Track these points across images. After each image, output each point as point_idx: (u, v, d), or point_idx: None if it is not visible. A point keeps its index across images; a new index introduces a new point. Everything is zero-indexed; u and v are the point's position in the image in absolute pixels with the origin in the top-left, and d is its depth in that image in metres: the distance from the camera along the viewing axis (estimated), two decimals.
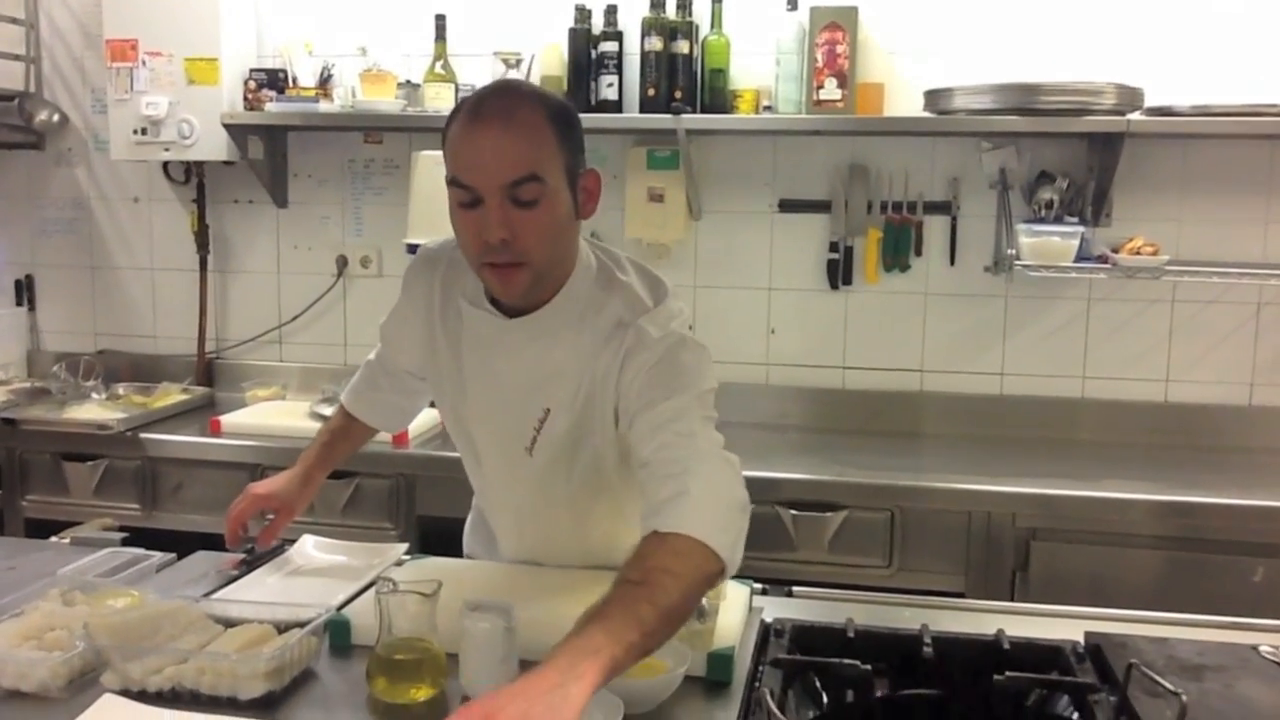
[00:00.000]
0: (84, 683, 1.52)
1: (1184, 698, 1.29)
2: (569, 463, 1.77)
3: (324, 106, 3.43)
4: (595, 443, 1.75)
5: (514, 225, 1.55)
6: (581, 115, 3.37)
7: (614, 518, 1.86)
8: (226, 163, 3.57)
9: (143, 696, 1.47)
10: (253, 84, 3.50)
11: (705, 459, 1.56)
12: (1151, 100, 2.99)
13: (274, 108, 3.44)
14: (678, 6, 3.23)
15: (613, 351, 1.67)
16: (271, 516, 2.03)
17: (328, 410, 3.30)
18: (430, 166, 3.28)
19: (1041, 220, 3.15)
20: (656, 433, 1.58)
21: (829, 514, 2.84)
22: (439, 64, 3.39)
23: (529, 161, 1.54)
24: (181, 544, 2.11)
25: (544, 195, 1.55)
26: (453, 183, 1.58)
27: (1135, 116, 2.97)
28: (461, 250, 1.66)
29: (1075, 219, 3.14)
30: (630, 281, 1.72)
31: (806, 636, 1.69)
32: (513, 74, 3.29)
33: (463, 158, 1.56)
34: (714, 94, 3.25)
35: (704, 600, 1.57)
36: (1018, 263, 3.09)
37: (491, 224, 1.54)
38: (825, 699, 1.55)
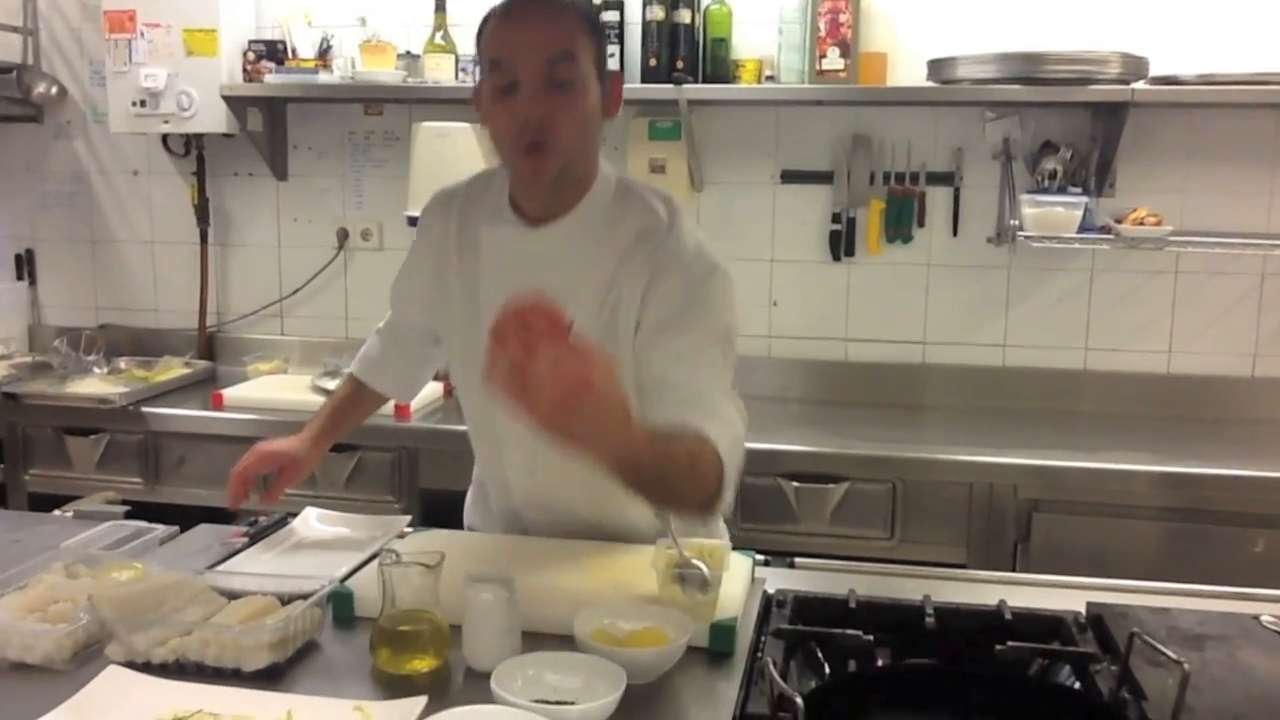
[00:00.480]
0: (88, 655, 1.53)
1: (1186, 667, 1.29)
2: None
3: (323, 78, 3.42)
4: (618, 361, 1.70)
5: (548, 105, 1.61)
6: None
7: None
8: (226, 135, 3.55)
9: (147, 668, 1.48)
10: (252, 55, 3.48)
11: (727, 405, 1.62)
12: (1156, 69, 2.97)
13: (273, 79, 3.42)
14: None
15: (640, 262, 1.70)
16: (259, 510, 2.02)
17: (330, 383, 3.30)
18: (431, 138, 3.26)
19: (1045, 191, 3.14)
20: (681, 362, 1.63)
21: (831, 486, 2.84)
22: (439, 34, 3.36)
23: (565, 39, 1.62)
24: (184, 517, 2.11)
25: (578, 78, 1.62)
26: (492, 67, 1.64)
27: (1140, 86, 2.95)
28: (495, 144, 1.70)
29: (1079, 189, 3.13)
30: (646, 195, 1.77)
31: (808, 607, 1.69)
32: None
33: (499, 39, 1.65)
34: (716, 64, 3.23)
35: (706, 571, 1.58)
36: (1021, 234, 3.08)
37: (528, 103, 1.60)
38: (827, 669, 1.55)
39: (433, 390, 3.22)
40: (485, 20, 1.70)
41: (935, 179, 3.33)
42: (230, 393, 3.29)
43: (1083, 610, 1.68)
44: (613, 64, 3.25)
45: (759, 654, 1.55)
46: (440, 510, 2.67)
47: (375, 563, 1.62)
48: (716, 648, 1.56)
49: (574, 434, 1.24)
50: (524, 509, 1.95)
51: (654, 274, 1.69)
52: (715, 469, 1.52)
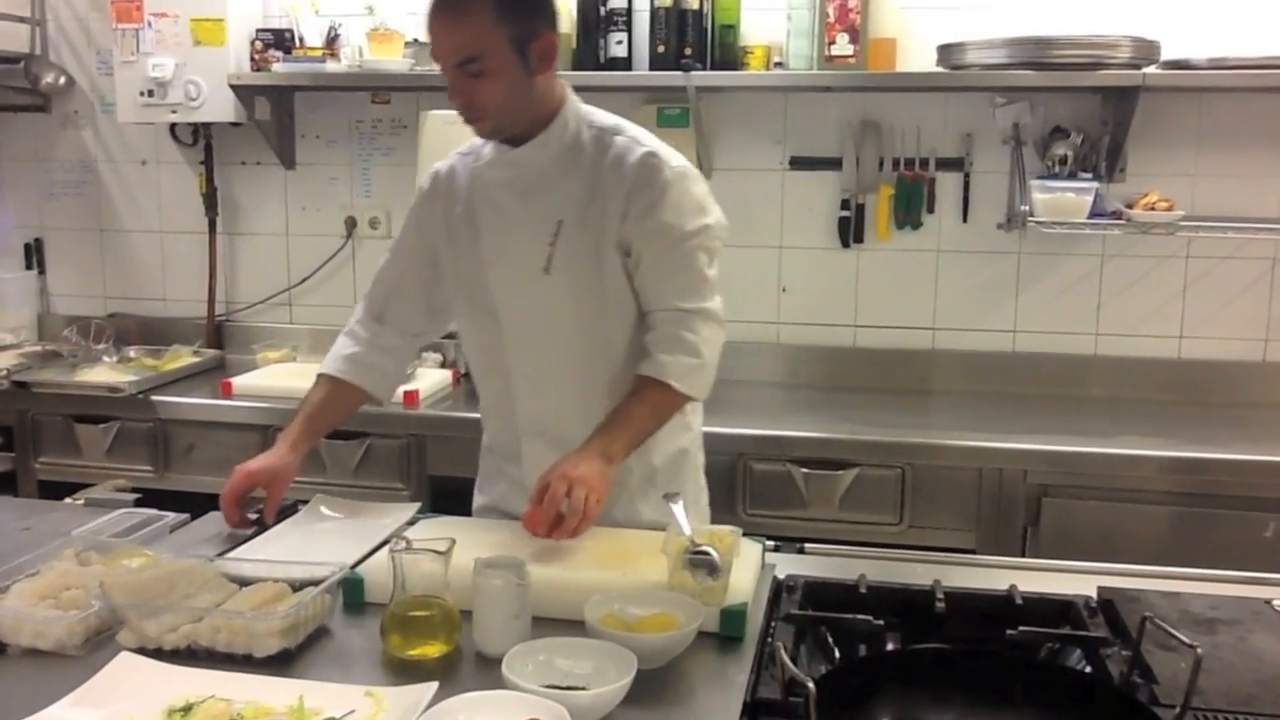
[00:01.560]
0: (100, 641, 1.54)
1: (1199, 650, 1.28)
2: (584, 281, 1.93)
3: (331, 66, 3.41)
4: (606, 272, 1.92)
5: (468, 91, 1.84)
6: (590, 73, 3.34)
7: (614, 380, 1.97)
8: (234, 124, 3.56)
9: (159, 654, 1.49)
10: (259, 44, 3.47)
11: (701, 326, 1.91)
12: (1167, 53, 2.96)
13: (281, 68, 3.42)
14: None
15: (614, 182, 1.90)
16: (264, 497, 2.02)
17: None
18: (438, 126, 3.25)
19: (1055, 176, 3.12)
20: (669, 278, 1.91)
21: (840, 472, 2.84)
22: None
23: (466, 47, 1.81)
24: (194, 505, 2.11)
25: (486, 70, 1.82)
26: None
27: (1150, 70, 2.93)
28: None
29: (1089, 174, 3.11)
30: (607, 121, 1.99)
31: (818, 592, 1.69)
32: None
33: (429, 39, 1.86)
34: (724, 50, 3.22)
35: (716, 556, 1.60)
36: (1031, 219, 3.07)
37: (451, 89, 1.86)
38: (837, 654, 1.55)
39: (441, 378, 3.22)
40: None
41: (945, 165, 3.32)
42: (239, 381, 3.30)
43: (1093, 595, 1.68)
44: (620, 50, 3.24)
45: (769, 639, 1.55)
46: (449, 497, 2.67)
47: (386, 549, 1.62)
48: (727, 633, 1.57)
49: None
50: (528, 442, 2.03)
51: (633, 188, 1.89)
52: (678, 399, 1.92)
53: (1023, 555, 2.69)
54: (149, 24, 3.43)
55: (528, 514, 1.78)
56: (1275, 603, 1.67)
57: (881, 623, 1.56)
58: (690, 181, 1.94)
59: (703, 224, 1.93)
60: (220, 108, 3.46)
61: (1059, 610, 1.64)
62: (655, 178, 1.90)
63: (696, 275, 1.93)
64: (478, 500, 2.19)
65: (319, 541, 1.93)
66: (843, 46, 3.09)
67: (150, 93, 3.45)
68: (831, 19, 3.08)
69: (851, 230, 3.37)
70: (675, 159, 1.95)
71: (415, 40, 3.41)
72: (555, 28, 1.90)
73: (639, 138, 1.96)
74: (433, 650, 1.50)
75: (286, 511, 2.06)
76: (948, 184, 3.33)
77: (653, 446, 2.00)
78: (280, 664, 1.48)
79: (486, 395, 2.13)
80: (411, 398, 3.06)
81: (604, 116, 2.00)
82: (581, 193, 1.92)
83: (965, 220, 3.33)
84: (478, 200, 2.00)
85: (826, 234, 3.41)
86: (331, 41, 3.49)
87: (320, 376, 2.13)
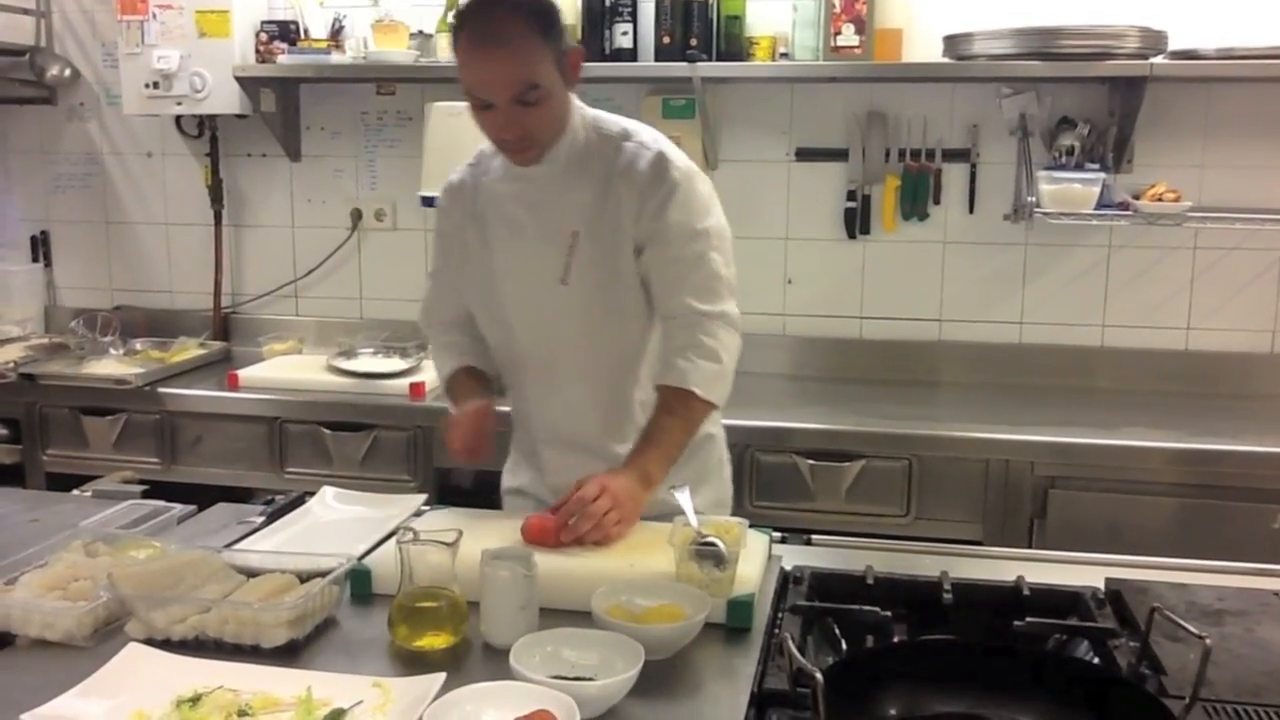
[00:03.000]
0: (108, 632, 1.54)
1: (1208, 641, 1.28)
2: (602, 289, 1.92)
3: (336, 58, 3.41)
4: (623, 278, 1.92)
5: (522, 121, 1.80)
6: (595, 64, 3.34)
7: (628, 386, 1.99)
8: (239, 116, 3.55)
9: (167, 645, 1.49)
10: (264, 36, 3.47)
11: (721, 332, 1.91)
12: (1175, 43, 2.94)
13: (286, 60, 3.41)
14: None
15: (626, 177, 1.89)
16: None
17: (345, 363, 3.32)
18: (444, 118, 3.25)
19: (1062, 167, 3.11)
20: (684, 285, 1.90)
21: (846, 463, 2.83)
22: (451, 13, 3.34)
23: (526, 76, 1.77)
24: (201, 496, 2.12)
25: (542, 97, 1.79)
26: (467, 91, 1.80)
27: (1158, 60, 2.92)
28: (483, 132, 1.89)
29: (1096, 165, 3.10)
30: (614, 127, 1.97)
31: (826, 583, 1.69)
32: None
33: (470, 76, 1.79)
34: (730, 41, 3.21)
35: (723, 547, 1.60)
36: (1038, 210, 3.06)
37: (504, 124, 1.81)
38: (844, 645, 1.55)
39: None
40: (455, 33, 1.82)
41: (951, 155, 3.31)
42: (245, 373, 3.30)
43: (1101, 586, 1.68)
44: (625, 41, 3.24)
45: (776, 630, 1.55)
46: (455, 489, 2.68)
47: (393, 540, 1.62)
48: (734, 623, 1.57)
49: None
50: (546, 449, 2.06)
51: (644, 190, 1.88)
52: (704, 407, 1.90)
53: (1030, 547, 2.69)
54: (154, 16, 3.43)
55: (534, 523, 1.76)
56: None
57: (889, 614, 1.56)
58: (697, 182, 1.93)
59: (708, 224, 1.93)
60: (225, 100, 3.46)
61: (1067, 601, 1.64)
62: (664, 178, 1.89)
63: (710, 274, 1.92)
64: (507, 482, 2.20)
65: (326, 533, 1.93)
66: (848, 37, 3.08)
67: (155, 85, 3.45)
68: (837, 9, 3.08)
69: (857, 221, 3.36)
70: (682, 159, 1.94)
71: (420, 32, 3.41)
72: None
73: (646, 141, 1.94)
74: (440, 641, 1.50)
75: (293, 503, 2.06)
76: (954, 175, 3.32)
77: None
78: (288, 655, 1.49)
79: (510, 399, 2.15)
80: (418, 390, 3.06)
81: (611, 122, 1.98)
82: (593, 202, 1.91)
83: (972, 211, 3.32)
84: (489, 214, 1.99)
85: (832, 225, 3.40)
86: (336, 33, 3.48)
87: (448, 377, 2.13)
